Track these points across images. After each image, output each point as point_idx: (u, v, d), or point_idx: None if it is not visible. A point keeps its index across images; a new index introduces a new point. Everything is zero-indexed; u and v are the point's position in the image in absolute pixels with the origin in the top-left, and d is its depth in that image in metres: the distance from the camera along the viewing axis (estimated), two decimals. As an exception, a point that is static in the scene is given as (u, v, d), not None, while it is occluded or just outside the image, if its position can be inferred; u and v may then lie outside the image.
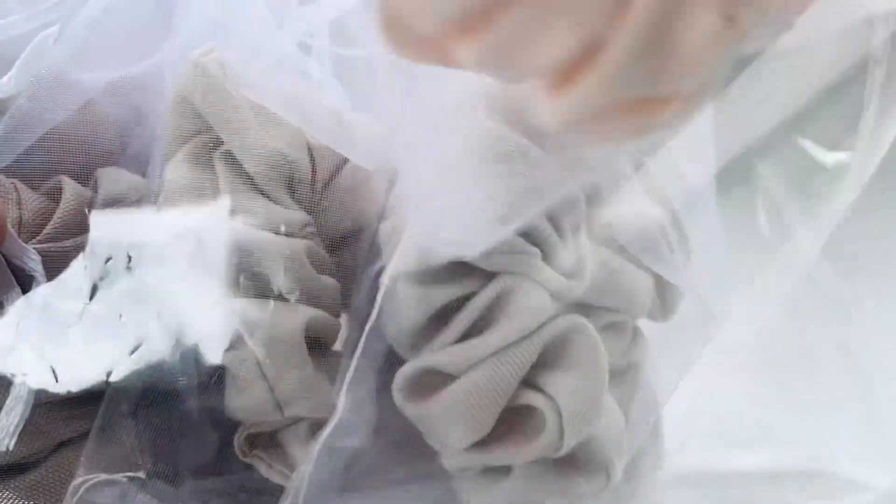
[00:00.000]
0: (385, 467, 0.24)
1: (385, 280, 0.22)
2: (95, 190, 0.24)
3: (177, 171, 0.22)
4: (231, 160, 0.22)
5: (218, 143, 0.22)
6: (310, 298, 0.22)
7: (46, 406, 0.22)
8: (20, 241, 0.21)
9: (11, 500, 0.22)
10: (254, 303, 0.21)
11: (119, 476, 0.21)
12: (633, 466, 0.26)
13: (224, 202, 0.21)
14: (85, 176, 0.24)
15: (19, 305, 0.21)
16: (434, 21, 0.15)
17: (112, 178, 0.24)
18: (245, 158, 0.22)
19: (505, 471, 0.24)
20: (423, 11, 0.15)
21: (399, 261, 0.22)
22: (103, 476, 0.21)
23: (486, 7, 0.14)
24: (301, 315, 0.21)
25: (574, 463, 0.24)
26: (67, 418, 0.22)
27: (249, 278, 0.21)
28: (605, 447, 0.24)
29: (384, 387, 0.24)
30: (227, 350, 0.21)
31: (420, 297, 0.22)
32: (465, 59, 0.15)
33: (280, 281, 0.21)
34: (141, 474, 0.21)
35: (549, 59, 0.15)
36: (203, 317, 0.21)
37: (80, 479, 0.21)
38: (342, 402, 0.22)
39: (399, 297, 0.22)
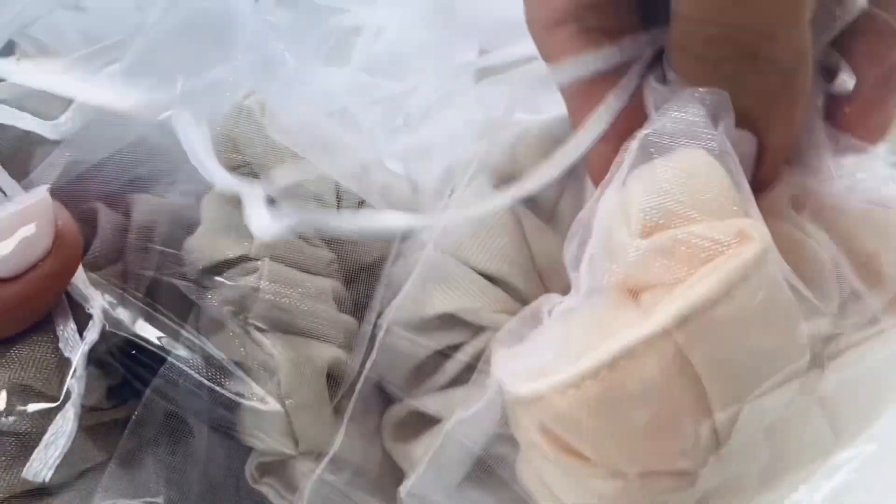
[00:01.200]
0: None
1: (383, 324, 0.24)
2: (128, 216, 0.25)
3: (214, 207, 0.23)
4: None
5: (255, 177, 0.23)
6: (332, 337, 0.23)
7: (80, 434, 0.23)
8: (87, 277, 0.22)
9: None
10: (282, 338, 0.22)
11: (136, 502, 0.22)
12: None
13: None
14: (114, 203, 0.26)
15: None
16: None
17: (145, 205, 0.25)
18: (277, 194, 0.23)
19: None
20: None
21: (397, 308, 0.24)
22: (121, 502, 0.22)
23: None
24: (326, 354, 0.23)
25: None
26: (95, 447, 0.23)
27: (278, 314, 0.22)
28: None
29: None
30: (251, 383, 0.22)
31: (413, 343, 0.24)
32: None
33: (307, 319, 0.23)
34: (159, 500, 0.22)
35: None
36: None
37: (98, 505, 0.22)
38: (339, 438, 0.23)
39: (394, 342, 0.24)
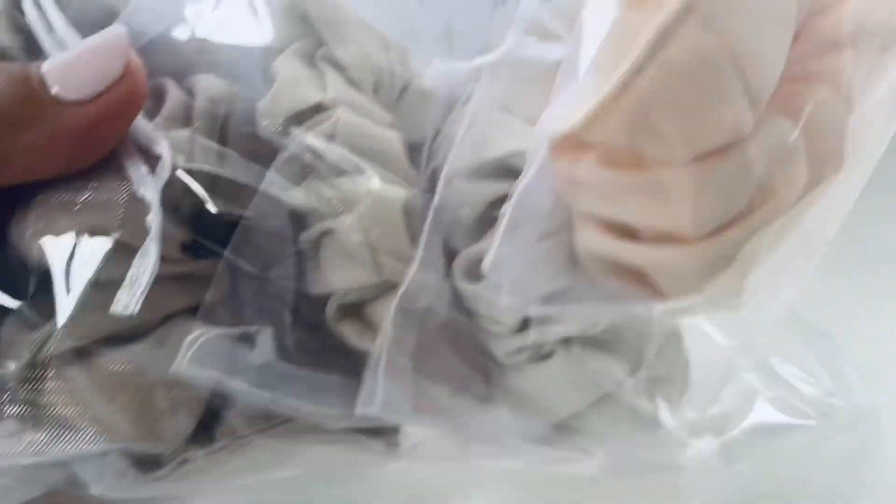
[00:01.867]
0: (441, 352, 0.27)
1: (442, 175, 0.26)
2: (192, 95, 0.26)
3: (288, 64, 0.25)
4: (333, 61, 0.25)
5: (320, 45, 0.25)
6: (402, 182, 0.25)
7: (158, 281, 0.24)
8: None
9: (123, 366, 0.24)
10: (360, 178, 0.24)
11: (233, 330, 0.23)
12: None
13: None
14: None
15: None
16: None
17: (207, 83, 0.26)
18: (345, 60, 0.25)
19: (548, 355, 0.28)
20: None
21: (454, 157, 0.26)
22: (218, 331, 0.23)
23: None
24: (401, 192, 0.25)
25: (608, 346, 0.28)
26: (175, 293, 0.24)
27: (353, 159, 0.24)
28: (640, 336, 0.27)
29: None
30: (334, 218, 0.24)
31: (472, 191, 0.26)
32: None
33: (381, 162, 0.24)
34: (256, 328, 0.24)
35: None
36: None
37: (196, 334, 0.23)
38: (415, 265, 0.25)
39: (454, 192, 0.26)
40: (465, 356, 0.27)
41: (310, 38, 0.25)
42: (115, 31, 0.24)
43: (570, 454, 0.28)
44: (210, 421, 0.26)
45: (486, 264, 0.23)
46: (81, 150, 0.24)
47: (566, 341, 0.27)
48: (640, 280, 0.24)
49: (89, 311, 0.23)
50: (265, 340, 0.24)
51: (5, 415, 0.25)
